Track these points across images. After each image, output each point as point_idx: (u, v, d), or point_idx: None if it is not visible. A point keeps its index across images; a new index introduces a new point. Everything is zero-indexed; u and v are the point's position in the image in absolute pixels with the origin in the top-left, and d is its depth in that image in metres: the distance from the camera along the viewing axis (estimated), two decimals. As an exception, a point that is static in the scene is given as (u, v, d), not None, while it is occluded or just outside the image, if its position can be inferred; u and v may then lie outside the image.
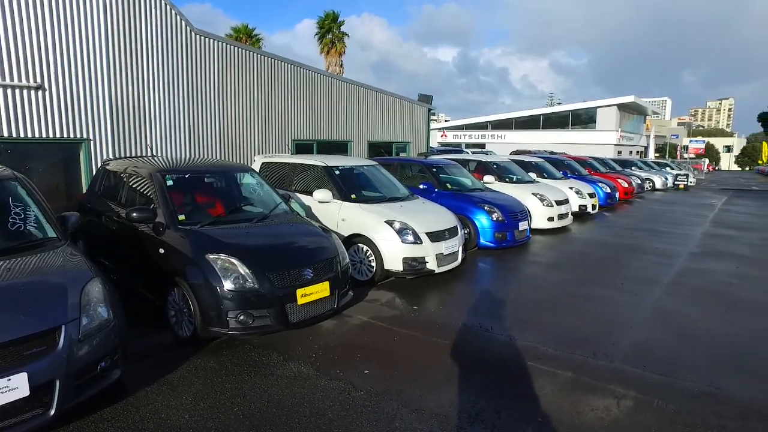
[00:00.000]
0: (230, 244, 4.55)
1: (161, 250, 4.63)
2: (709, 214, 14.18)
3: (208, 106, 9.18)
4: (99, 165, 7.06)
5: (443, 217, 7.10)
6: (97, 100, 7.84)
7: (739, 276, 7.01)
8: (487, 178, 10.84)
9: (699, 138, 73.72)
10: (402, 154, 14.36)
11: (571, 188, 12.60)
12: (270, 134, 10.31)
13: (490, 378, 3.86)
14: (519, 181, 11.33)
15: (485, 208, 8.54)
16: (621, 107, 43.33)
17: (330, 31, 46.09)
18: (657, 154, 62.74)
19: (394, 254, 6.39)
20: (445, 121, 66.90)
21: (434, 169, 9.43)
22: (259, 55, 9.95)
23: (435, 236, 6.64)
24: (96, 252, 5.82)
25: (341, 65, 46.84)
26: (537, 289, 6.34)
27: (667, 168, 29.15)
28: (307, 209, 7.36)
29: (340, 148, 12.22)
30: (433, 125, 56.36)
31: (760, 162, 63.55)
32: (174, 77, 8.69)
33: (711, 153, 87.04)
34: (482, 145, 48.05)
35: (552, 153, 30.60)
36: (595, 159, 19.59)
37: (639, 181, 19.92)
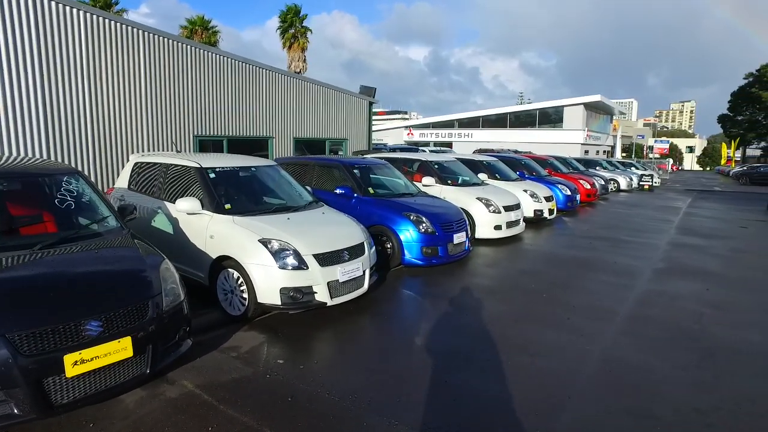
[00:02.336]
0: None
1: None
2: (674, 219, 13.08)
3: (73, 91, 7.34)
4: None
5: (345, 232, 5.51)
6: None
7: (711, 304, 5.67)
8: (427, 180, 9.35)
9: (663, 138, 74.74)
10: (340, 153, 12.75)
11: (525, 191, 11.23)
12: (163, 129, 8.54)
13: None
14: (464, 184, 9.87)
15: (411, 217, 7.01)
16: (588, 106, 42.89)
17: (292, 26, 44.14)
18: (624, 154, 63.15)
19: (268, 283, 4.77)
20: (416, 119, 65.71)
21: (355, 171, 7.84)
22: (145, 33, 8.15)
23: (327, 258, 5.05)
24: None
25: (304, 61, 44.93)
26: (460, 330, 4.83)
27: (632, 168, 28.44)
28: (175, 223, 5.68)
29: (258, 145, 10.52)
30: (402, 123, 55.00)
31: (723, 163, 64.71)
32: (21, 51, 6.81)
33: (675, 153, 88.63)
34: (449, 144, 47.04)
35: (517, 152, 29.64)
36: (557, 158, 18.41)
37: (603, 182, 18.84)
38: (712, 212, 15.24)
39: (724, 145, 66.03)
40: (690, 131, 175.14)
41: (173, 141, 6.95)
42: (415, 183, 8.90)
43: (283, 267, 4.79)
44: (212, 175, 5.69)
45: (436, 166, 9.81)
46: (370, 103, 12.95)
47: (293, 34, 44.14)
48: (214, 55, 9.20)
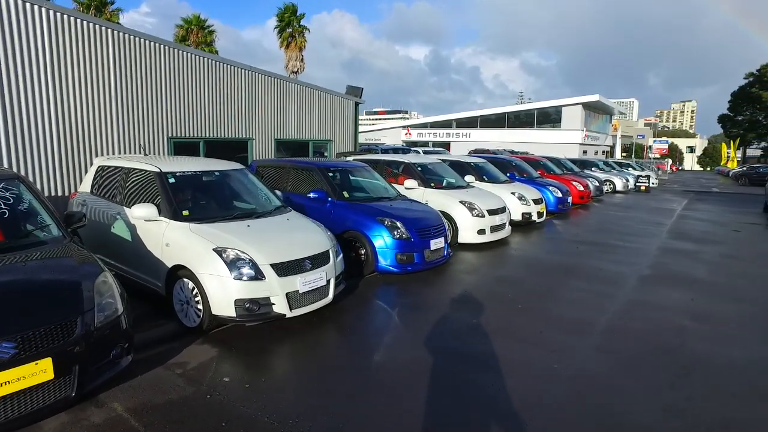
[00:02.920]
0: None
1: None
2: (667, 222, 12.80)
3: (36, 91, 7.08)
4: None
5: (308, 240, 5.25)
6: None
7: (693, 315, 5.40)
8: (409, 183, 9.10)
9: (663, 138, 74.38)
10: (326, 155, 12.49)
11: (513, 193, 10.96)
12: (135, 130, 8.27)
13: None
14: (448, 186, 9.61)
15: (385, 222, 6.75)
16: (586, 106, 42.57)
17: (290, 25, 43.99)
18: (624, 154, 62.81)
19: (223, 294, 4.52)
20: (417, 119, 65.43)
21: (330, 174, 7.58)
22: (113, 31, 7.88)
23: (287, 268, 4.79)
24: None
25: (302, 60, 44.75)
26: (425, 346, 4.56)
27: (629, 169, 28.12)
28: (133, 230, 5.43)
29: (237, 147, 10.26)
30: (400, 123, 54.64)
31: (722, 163, 64.41)
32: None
33: (675, 153, 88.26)
34: (447, 144, 46.75)
35: (513, 152, 29.36)
36: (550, 159, 18.13)
37: (597, 184, 18.53)
38: (706, 215, 14.96)
39: (724, 145, 65.71)
40: (691, 131, 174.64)
41: (142, 144, 6.65)
42: (395, 186, 8.64)
43: (239, 277, 4.54)
44: (172, 180, 5.43)
45: (419, 169, 9.54)
46: (357, 104, 12.68)
47: (291, 34, 43.95)
48: (189, 54, 8.93)
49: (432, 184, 9.30)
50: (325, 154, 12.25)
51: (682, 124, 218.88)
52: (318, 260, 5.12)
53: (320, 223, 6.04)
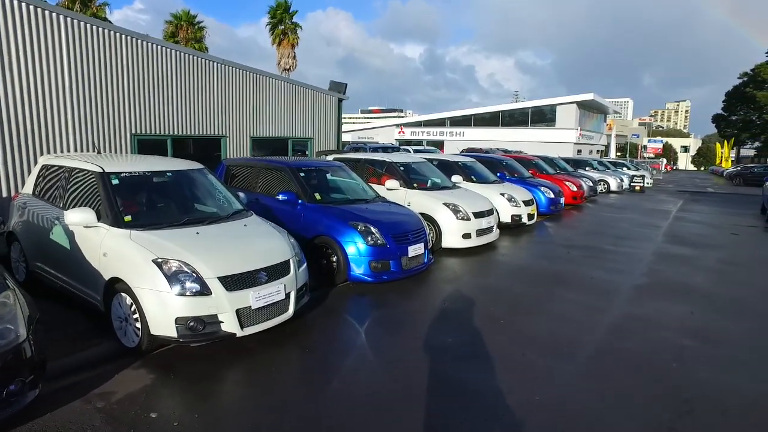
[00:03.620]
0: None
1: None
2: (662, 224, 12.33)
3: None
4: None
5: (266, 248, 4.70)
6: None
7: (695, 333, 4.90)
8: (390, 184, 8.55)
9: (657, 138, 74.23)
10: (307, 153, 11.92)
11: (502, 194, 10.44)
12: (94, 127, 7.66)
13: None
14: (433, 187, 9.08)
15: (358, 227, 6.20)
16: (581, 105, 42.17)
17: (282, 22, 43.38)
18: (619, 154, 62.51)
19: (162, 312, 3.97)
20: (412, 117, 64.79)
21: (302, 174, 7.03)
22: (68, 18, 7.23)
23: (237, 281, 4.25)
24: None
25: (294, 57, 44.15)
26: (389, 371, 4.04)
27: (624, 168, 27.68)
28: (71, 236, 4.86)
29: (210, 145, 9.68)
30: (393, 121, 53.97)
31: (717, 163, 64.28)
32: None
33: (669, 153, 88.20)
34: (440, 143, 46.24)
35: (506, 151, 28.88)
36: (543, 159, 17.64)
37: (591, 184, 18.06)
38: (703, 216, 14.51)
39: (718, 144, 65.57)
40: (685, 131, 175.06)
41: (99, 142, 6.08)
42: (374, 187, 8.10)
43: (181, 293, 3.99)
44: (115, 182, 4.86)
45: (401, 168, 9.00)
46: (340, 100, 12.10)
47: (283, 31, 43.31)
48: (154, 46, 8.34)
49: (415, 185, 8.76)
50: (306, 152, 11.67)
51: (676, 123, 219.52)
52: (276, 271, 4.58)
53: (285, 228, 5.52)
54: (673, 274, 7.18)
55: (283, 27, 42.46)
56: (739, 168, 42.63)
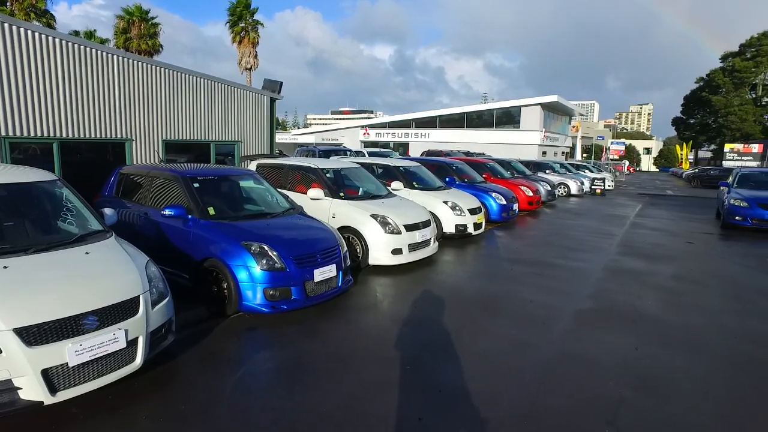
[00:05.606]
0: None
1: None
2: (618, 233, 11.72)
3: None
4: None
5: (104, 285, 3.61)
6: None
7: (636, 377, 4.06)
8: (314, 193, 7.55)
9: (620, 140, 75.64)
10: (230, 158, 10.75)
11: (446, 202, 9.57)
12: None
13: None
14: (364, 196, 8.10)
15: (252, 248, 5.15)
16: (545, 107, 42.14)
17: (242, 19, 41.98)
18: (585, 155, 63.16)
19: None
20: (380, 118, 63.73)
21: (195, 185, 5.93)
22: None
23: (49, 331, 3.18)
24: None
25: (256, 56, 42.82)
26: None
27: (586, 171, 27.45)
28: None
29: (111, 150, 8.43)
30: (358, 123, 52.78)
31: (676, 164, 65.87)
32: None
33: (632, 155, 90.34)
34: (406, 145, 45.49)
35: (469, 153, 28.28)
36: (500, 162, 16.97)
37: (549, 188, 17.44)
38: (660, 222, 14.04)
39: (677, 147, 67.21)
40: (648, 133, 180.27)
41: None
42: (292, 196, 7.07)
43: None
44: None
45: (328, 175, 7.99)
46: (273, 100, 10.98)
47: (243, 28, 41.91)
48: (31, 33, 7.07)
49: (342, 194, 7.76)
50: (226, 159, 10.49)
51: (639, 126, 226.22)
52: (113, 313, 3.51)
53: (173, 250, 4.68)
54: (622, 295, 6.40)
55: (243, 25, 40.98)
56: (697, 170, 43.47)
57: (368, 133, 47.72)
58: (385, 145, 45.49)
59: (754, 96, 53.01)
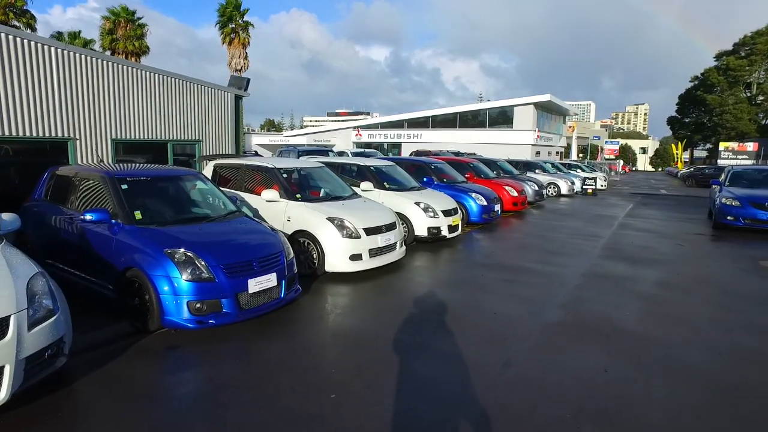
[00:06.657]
0: None
1: None
2: (604, 234, 11.16)
3: None
4: None
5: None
6: None
7: (598, 411, 3.48)
8: (268, 195, 6.98)
9: (615, 140, 75.17)
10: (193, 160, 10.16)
11: (417, 204, 8.99)
12: None
13: None
14: (325, 198, 7.52)
15: (175, 256, 4.57)
16: (538, 106, 41.63)
17: (232, 20, 41.40)
18: (581, 155, 62.65)
19: None
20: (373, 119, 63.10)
21: (123, 186, 5.34)
22: None
23: None
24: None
25: (246, 57, 42.20)
26: None
27: (578, 170, 26.90)
28: None
29: (51, 150, 7.81)
30: (350, 124, 52.08)
31: (672, 164, 65.47)
32: None
33: (628, 154, 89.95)
34: (399, 145, 44.93)
35: (459, 153, 27.73)
36: (485, 161, 16.41)
37: (536, 188, 16.88)
38: (650, 223, 13.49)
39: (673, 146, 66.80)
40: (644, 133, 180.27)
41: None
42: (229, 197, 6.48)
43: None
44: None
45: (284, 175, 7.40)
46: (238, 97, 10.39)
47: (233, 29, 41.31)
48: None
49: (299, 195, 7.17)
50: (191, 160, 9.89)
51: (636, 125, 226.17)
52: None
53: (96, 258, 4.23)
54: (598, 305, 5.83)
55: (233, 25, 40.39)
56: (692, 169, 42.98)
57: (361, 134, 47.16)
58: (379, 146, 44.90)
59: (748, 94, 52.65)
